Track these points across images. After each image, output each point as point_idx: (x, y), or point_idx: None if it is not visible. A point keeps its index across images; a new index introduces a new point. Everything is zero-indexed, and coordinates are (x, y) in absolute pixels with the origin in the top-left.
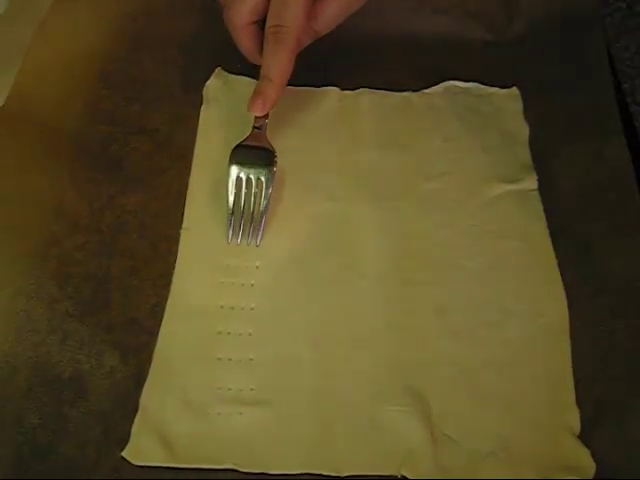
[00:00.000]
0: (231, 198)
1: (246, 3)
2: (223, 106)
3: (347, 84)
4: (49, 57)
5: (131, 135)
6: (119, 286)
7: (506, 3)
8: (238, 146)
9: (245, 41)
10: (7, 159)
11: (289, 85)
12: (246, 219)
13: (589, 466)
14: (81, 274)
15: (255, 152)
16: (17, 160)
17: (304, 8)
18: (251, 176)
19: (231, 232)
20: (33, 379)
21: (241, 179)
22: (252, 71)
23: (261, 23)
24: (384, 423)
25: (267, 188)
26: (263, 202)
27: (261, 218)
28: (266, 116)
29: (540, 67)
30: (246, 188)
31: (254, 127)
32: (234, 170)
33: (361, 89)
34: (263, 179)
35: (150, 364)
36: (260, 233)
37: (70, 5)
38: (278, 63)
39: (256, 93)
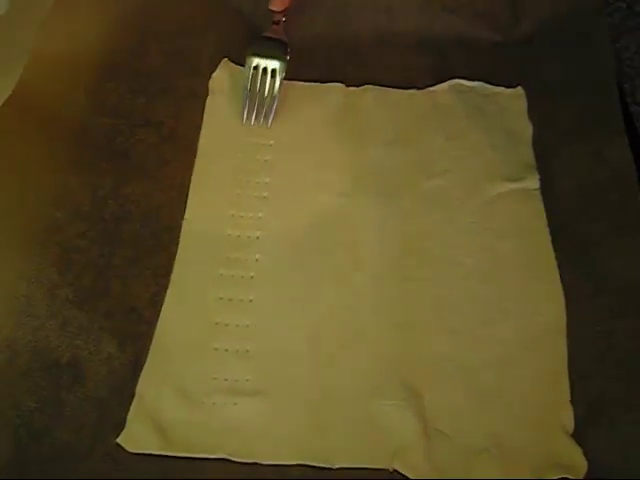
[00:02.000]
0: (248, 83)
1: None
2: (229, 98)
3: (352, 80)
4: (55, 50)
5: (136, 127)
6: (119, 274)
7: (513, 4)
8: (257, 37)
9: None
10: (12, 147)
11: (294, 80)
12: (260, 102)
13: (581, 465)
14: (82, 261)
15: (271, 43)
16: (22, 148)
17: None
18: (266, 64)
19: (246, 112)
20: (32, 363)
21: (257, 66)
22: None
23: None
24: (378, 417)
25: (280, 75)
26: (276, 87)
27: (273, 101)
28: (284, 12)
29: (545, 67)
30: (262, 75)
31: (273, 22)
32: (251, 58)
33: (366, 85)
34: (277, 67)
35: (148, 352)
36: (271, 115)
37: None
38: None
39: None
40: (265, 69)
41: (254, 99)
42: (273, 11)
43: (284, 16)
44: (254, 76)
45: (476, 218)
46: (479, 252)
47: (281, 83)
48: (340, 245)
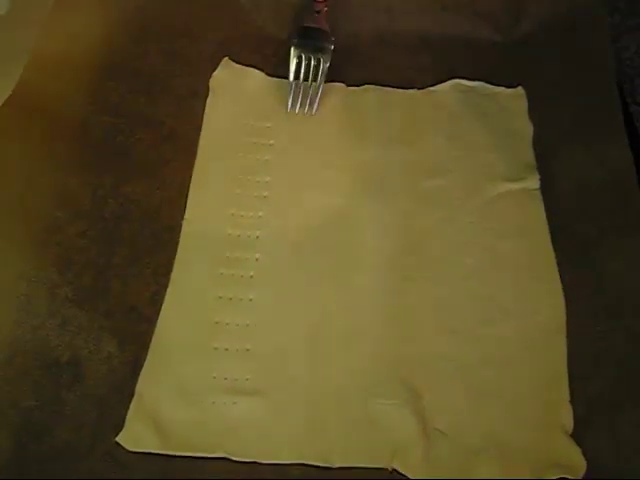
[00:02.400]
0: (293, 72)
1: None
2: (229, 97)
3: (353, 80)
4: (55, 50)
5: (136, 127)
6: (119, 274)
7: (513, 4)
8: (299, 27)
9: None
10: (13, 146)
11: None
12: (304, 91)
13: (580, 465)
14: (82, 260)
15: (314, 33)
16: (22, 148)
17: None
18: (310, 55)
19: (291, 100)
20: (31, 362)
21: (301, 56)
22: (259, 62)
23: None
24: (377, 416)
25: (324, 64)
26: (320, 77)
27: (318, 90)
28: (325, 2)
29: (546, 67)
30: (306, 64)
31: (315, 11)
32: (295, 48)
33: (366, 85)
34: (321, 57)
35: (147, 351)
36: (316, 104)
37: None
38: None
39: None
40: (309, 59)
41: (299, 88)
42: (316, 0)
43: (326, 6)
44: (298, 65)
45: (476, 218)
46: (479, 252)
47: (325, 72)
48: (340, 244)
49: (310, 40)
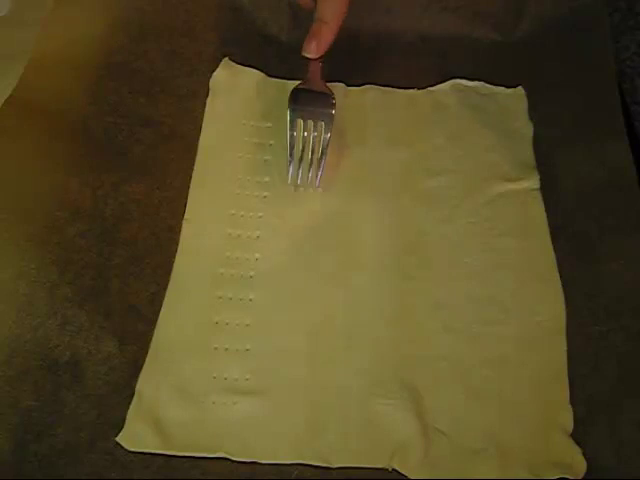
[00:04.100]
0: (291, 142)
1: None
2: (229, 97)
3: (353, 80)
4: (55, 50)
5: (136, 127)
6: (119, 273)
7: (513, 4)
8: (295, 90)
9: None
10: (13, 145)
11: (294, 80)
12: (306, 162)
13: (580, 465)
14: (82, 260)
15: (313, 96)
16: (22, 148)
17: None
18: (310, 120)
19: (291, 175)
20: (31, 362)
21: (300, 123)
22: (259, 62)
23: None
24: (377, 416)
25: (326, 131)
26: (322, 145)
27: (321, 160)
28: (320, 58)
29: (546, 67)
30: (305, 132)
31: (308, 71)
32: (293, 114)
33: (367, 85)
34: (322, 123)
35: (147, 351)
36: (319, 175)
37: None
38: (333, 5)
39: (310, 35)
40: (309, 126)
41: (298, 159)
42: (310, 59)
43: (322, 61)
44: (298, 133)
45: (476, 218)
46: (479, 252)
47: (328, 141)
48: (340, 244)
49: (309, 105)
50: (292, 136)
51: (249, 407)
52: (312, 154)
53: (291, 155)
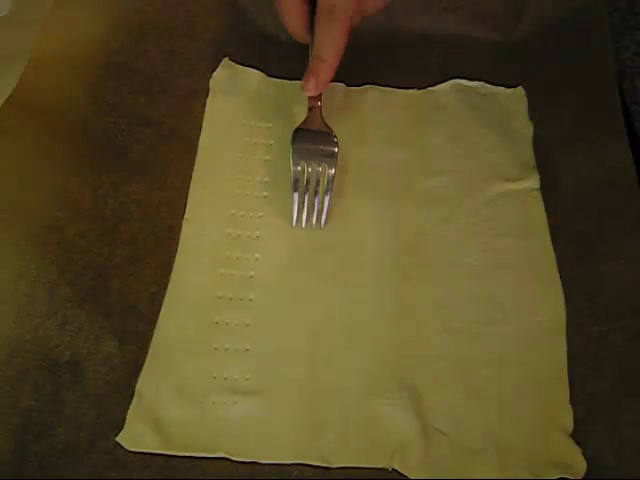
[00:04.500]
0: (295, 183)
1: None
2: (229, 97)
3: (353, 80)
4: (55, 50)
5: (136, 127)
6: (119, 273)
7: (513, 4)
8: (297, 130)
9: (295, 20)
10: (13, 147)
11: (294, 80)
12: (310, 203)
13: (580, 465)
14: (82, 260)
15: (314, 136)
16: (22, 148)
17: None
18: (313, 161)
19: (296, 215)
20: (31, 362)
21: (303, 164)
22: (259, 62)
23: (311, 2)
24: (377, 416)
25: (330, 170)
26: (327, 184)
27: (324, 201)
28: (319, 97)
29: (546, 67)
30: (309, 171)
31: (309, 109)
32: (296, 155)
33: (367, 85)
34: (325, 163)
35: (147, 351)
36: (324, 216)
37: None
38: (332, 42)
39: (309, 73)
40: (312, 166)
41: (303, 199)
42: (308, 97)
43: (319, 100)
44: (301, 174)
45: (476, 218)
46: (479, 252)
47: (332, 180)
48: (340, 244)
49: (311, 145)
50: (296, 177)
51: (249, 407)
52: (316, 194)
53: (295, 197)
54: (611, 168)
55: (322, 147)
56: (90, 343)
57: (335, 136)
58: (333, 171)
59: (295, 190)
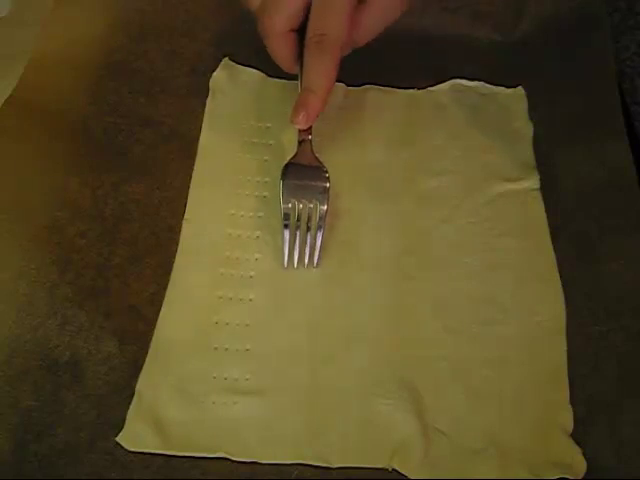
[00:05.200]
0: (285, 221)
1: (284, 9)
2: (229, 97)
3: (352, 80)
4: (55, 50)
5: (136, 127)
6: (119, 273)
7: (513, 4)
8: (287, 165)
9: (282, 50)
10: (12, 147)
11: (294, 80)
12: (302, 242)
13: (580, 465)
14: (82, 260)
15: (305, 171)
16: (22, 148)
17: (348, 15)
18: (304, 197)
19: (287, 255)
20: (31, 362)
21: (294, 201)
22: (259, 62)
23: (298, 31)
24: (377, 416)
25: (322, 207)
26: (319, 221)
27: (317, 238)
28: (309, 129)
29: (546, 67)
30: (300, 208)
31: (298, 142)
32: (286, 192)
33: (367, 85)
34: (317, 199)
35: (147, 351)
36: (317, 254)
37: None
38: (322, 74)
39: (298, 105)
40: (303, 203)
41: (294, 238)
42: (299, 130)
43: (310, 134)
44: (292, 212)
45: (476, 218)
46: (479, 252)
47: (324, 217)
48: (339, 244)
49: (302, 181)
50: (286, 215)
51: (249, 407)
52: (308, 232)
53: (285, 235)
54: (611, 168)
55: (313, 183)
56: (90, 343)
57: (326, 171)
58: (325, 208)
59: (286, 228)
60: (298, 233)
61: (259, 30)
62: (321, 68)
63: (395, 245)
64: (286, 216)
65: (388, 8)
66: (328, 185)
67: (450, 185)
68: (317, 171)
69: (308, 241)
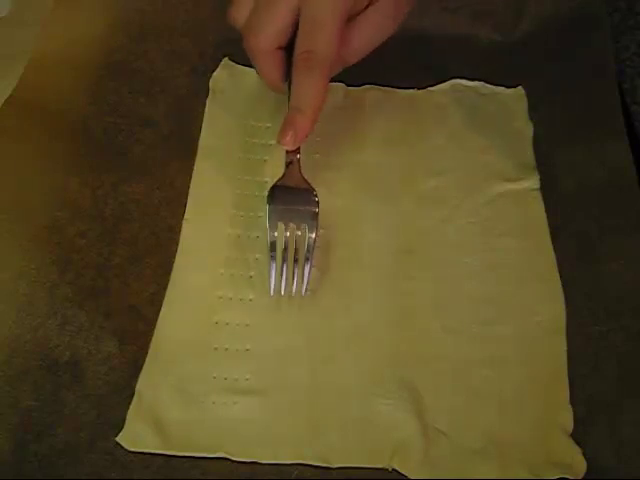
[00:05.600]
0: (272, 248)
1: (271, 26)
2: (229, 97)
3: (352, 80)
4: (55, 50)
5: (136, 127)
6: (119, 273)
7: (513, 4)
8: (273, 188)
9: (269, 69)
10: (13, 146)
11: None
12: (289, 268)
13: (581, 465)
14: (82, 260)
15: (293, 194)
16: (22, 148)
17: (337, 32)
18: (292, 222)
19: (273, 283)
20: (31, 362)
21: (281, 226)
22: None
23: (286, 48)
24: (377, 416)
25: (311, 233)
26: (308, 248)
27: (306, 266)
28: (297, 150)
29: (546, 67)
30: (287, 233)
31: (286, 163)
32: (273, 216)
33: (366, 85)
34: (306, 224)
35: (147, 351)
36: (306, 282)
37: None
38: (310, 93)
39: (286, 125)
40: (290, 226)
41: (281, 266)
42: (286, 151)
43: (298, 153)
44: (279, 238)
45: (476, 218)
46: (479, 252)
47: (313, 245)
48: (339, 244)
49: (289, 205)
50: (273, 241)
51: (249, 407)
52: (296, 259)
53: (272, 263)
54: (611, 168)
55: (302, 207)
56: (90, 343)
57: (316, 194)
58: (314, 236)
59: (272, 256)
60: (285, 261)
61: (245, 48)
62: (310, 87)
63: (395, 245)
64: (272, 245)
65: (379, 26)
66: (317, 210)
67: (450, 185)
68: (306, 194)
69: (296, 270)
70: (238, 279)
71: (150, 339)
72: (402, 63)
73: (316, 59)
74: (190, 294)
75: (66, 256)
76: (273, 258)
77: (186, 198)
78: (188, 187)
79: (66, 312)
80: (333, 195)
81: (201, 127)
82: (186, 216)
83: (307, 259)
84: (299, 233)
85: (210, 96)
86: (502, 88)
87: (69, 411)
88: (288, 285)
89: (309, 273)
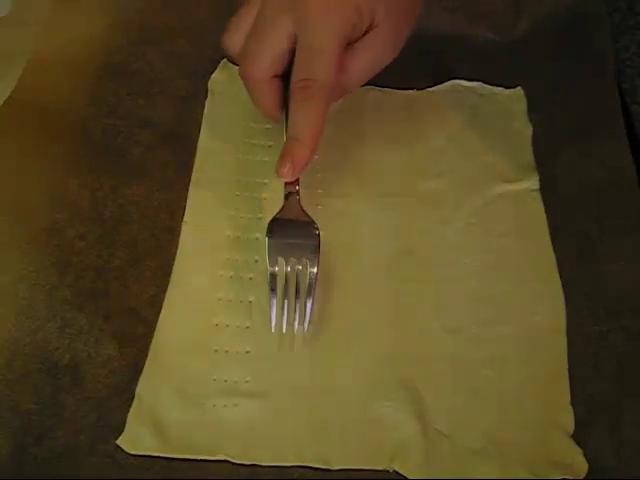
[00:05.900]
0: (272, 283)
1: (266, 54)
2: (228, 99)
3: None
4: (55, 51)
5: (135, 128)
6: (119, 276)
7: (513, 4)
8: (273, 221)
9: (265, 98)
10: (12, 147)
11: None
12: (290, 304)
13: (582, 466)
14: (81, 263)
15: (293, 227)
16: (22, 148)
17: (336, 59)
18: (292, 257)
19: (275, 319)
20: (31, 365)
21: (281, 261)
22: None
23: (283, 76)
24: (378, 417)
25: (312, 267)
26: (309, 283)
27: (308, 301)
28: (297, 181)
29: (545, 67)
30: (287, 270)
31: (285, 195)
32: (272, 250)
33: (366, 86)
34: (307, 259)
35: (147, 354)
36: (308, 318)
37: None
38: (308, 122)
39: (284, 156)
40: (291, 260)
41: (282, 303)
42: (285, 183)
43: (297, 184)
44: (279, 274)
45: (476, 219)
46: (478, 252)
47: (314, 280)
48: (339, 245)
49: (289, 239)
50: (273, 277)
51: (249, 409)
52: (297, 294)
53: (272, 299)
54: (611, 168)
55: (302, 241)
56: (90, 346)
57: (317, 227)
58: (315, 270)
59: (273, 292)
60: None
61: (240, 76)
62: (308, 115)
63: (395, 246)
64: (272, 278)
65: (379, 52)
66: (318, 243)
67: (450, 186)
68: (306, 227)
69: (297, 305)
70: (238, 281)
71: (150, 341)
72: (402, 63)
73: (314, 87)
74: (190, 296)
75: (65, 258)
76: (274, 292)
77: (185, 200)
78: (187, 189)
79: (66, 315)
80: (332, 196)
81: (200, 129)
82: (185, 218)
83: (309, 296)
84: (300, 267)
85: (209, 97)
86: (501, 88)
87: (69, 414)
88: (289, 322)
89: (311, 309)
